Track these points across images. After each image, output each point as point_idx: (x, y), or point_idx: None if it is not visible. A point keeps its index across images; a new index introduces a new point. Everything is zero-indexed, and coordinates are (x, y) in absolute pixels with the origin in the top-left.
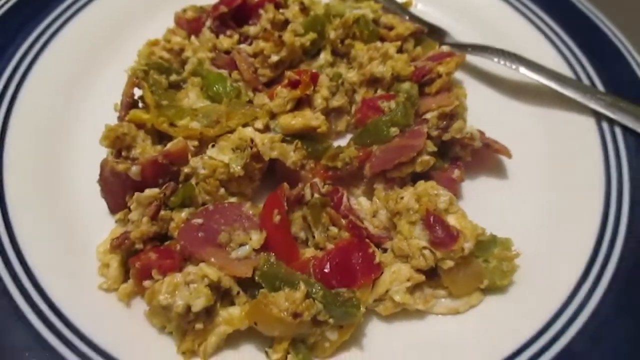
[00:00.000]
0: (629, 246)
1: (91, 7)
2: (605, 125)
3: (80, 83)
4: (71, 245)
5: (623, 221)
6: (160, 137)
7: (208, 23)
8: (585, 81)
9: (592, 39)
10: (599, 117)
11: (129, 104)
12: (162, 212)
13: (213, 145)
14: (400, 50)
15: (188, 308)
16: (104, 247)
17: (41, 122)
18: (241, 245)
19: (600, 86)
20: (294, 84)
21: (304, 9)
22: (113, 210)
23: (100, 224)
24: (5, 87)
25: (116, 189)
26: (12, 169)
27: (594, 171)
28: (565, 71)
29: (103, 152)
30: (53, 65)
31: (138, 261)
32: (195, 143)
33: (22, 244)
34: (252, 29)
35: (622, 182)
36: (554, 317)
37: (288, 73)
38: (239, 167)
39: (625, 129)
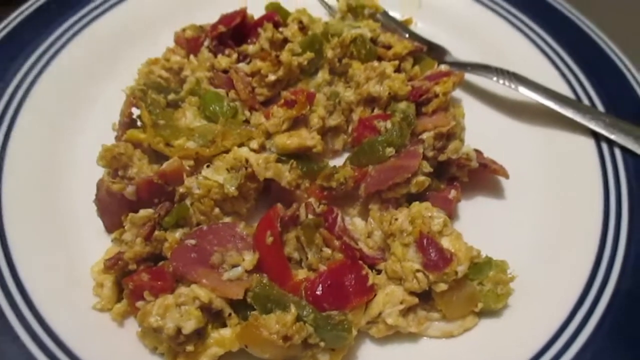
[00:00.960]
0: (627, 270)
1: (93, 26)
2: (604, 146)
3: (81, 102)
4: (67, 265)
5: (621, 244)
6: (158, 156)
7: (206, 42)
8: (585, 101)
9: (593, 58)
10: (598, 138)
11: (127, 123)
12: (156, 233)
13: (208, 166)
14: (398, 70)
15: (178, 330)
16: (98, 267)
17: (40, 141)
18: (234, 266)
19: (600, 106)
20: (290, 104)
21: (303, 28)
22: (109, 229)
23: (97, 243)
24: (6, 106)
25: (112, 209)
26: (10, 187)
27: (592, 193)
28: (565, 91)
29: (101, 171)
30: (54, 85)
31: (131, 282)
32: (191, 163)
33: (17, 262)
34: (250, 48)
35: (620, 204)
36: (549, 343)
37: (284, 93)
38: (233, 188)
39: (625, 150)
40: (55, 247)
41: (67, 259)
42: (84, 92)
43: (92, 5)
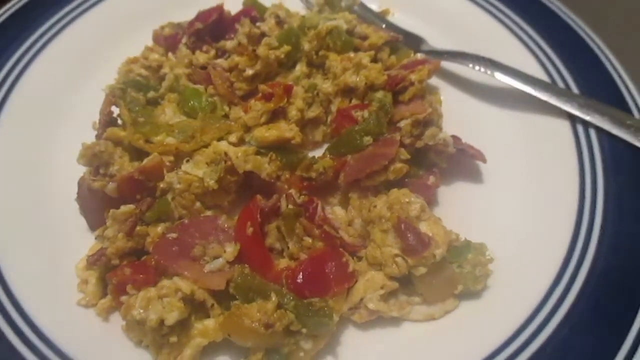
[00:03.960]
0: (602, 249)
1: (73, 26)
2: (579, 128)
3: (62, 101)
4: (51, 262)
5: (597, 224)
6: (139, 154)
7: (184, 39)
8: (560, 84)
9: (567, 42)
10: (573, 120)
11: (107, 122)
12: (138, 228)
13: (188, 160)
14: (374, 60)
15: (162, 322)
16: (82, 264)
17: (22, 140)
18: (215, 257)
19: (575, 89)
20: (267, 97)
21: (280, 22)
22: (92, 226)
23: (81, 241)
24: None
25: (94, 206)
26: None
27: (568, 174)
28: (541, 75)
29: (83, 170)
30: (34, 85)
31: (115, 277)
32: (171, 158)
33: (1, 261)
34: (229, 44)
35: (596, 184)
36: (528, 321)
37: (261, 86)
38: (213, 181)
39: (600, 130)
40: (39, 246)
41: (52, 257)
42: (64, 92)
43: (71, 5)
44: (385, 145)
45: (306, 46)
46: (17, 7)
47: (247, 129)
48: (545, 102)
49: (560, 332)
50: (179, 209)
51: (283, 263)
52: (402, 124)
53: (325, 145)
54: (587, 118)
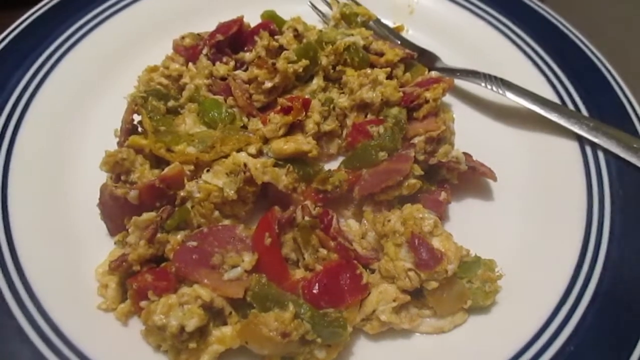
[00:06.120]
0: (609, 268)
1: (94, 34)
2: (588, 149)
3: (83, 109)
4: (72, 267)
5: (604, 243)
6: (158, 161)
7: (205, 50)
8: (570, 106)
9: (577, 64)
10: (582, 141)
11: (128, 129)
12: (159, 235)
13: (208, 170)
14: (390, 76)
15: (182, 328)
16: (103, 269)
17: (44, 147)
18: (234, 266)
19: (584, 111)
20: (286, 110)
21: (298, 36)
22: (112, 232)
23: (101, 246)
24: (11, 112)
25: (115, 212)
26: (16, 192)
27: (576, 194)
28: (551, 96)
29: (104, 176)
30: (56, 92)
31: (135, 282)
32: (191, 167)
33: (25, 265)
34: (247, 56)
35: (603, 205)
36: (535, 337)
37: (280, 100)
38: (232, 191)
39: (608, 153)
40: (60, 251)
41: (72, 262)
42: (86, 99)
43: (92, 13)
44: (400, 161)
45: (324, 61)
46: (38, 14)
47: (265, 140)
48: (554, 123)
49: (567, 348)
50: (197, 218)
51: (298, 273)
52: (416, 140)
53: (339, 158)
54: (596, 140)
